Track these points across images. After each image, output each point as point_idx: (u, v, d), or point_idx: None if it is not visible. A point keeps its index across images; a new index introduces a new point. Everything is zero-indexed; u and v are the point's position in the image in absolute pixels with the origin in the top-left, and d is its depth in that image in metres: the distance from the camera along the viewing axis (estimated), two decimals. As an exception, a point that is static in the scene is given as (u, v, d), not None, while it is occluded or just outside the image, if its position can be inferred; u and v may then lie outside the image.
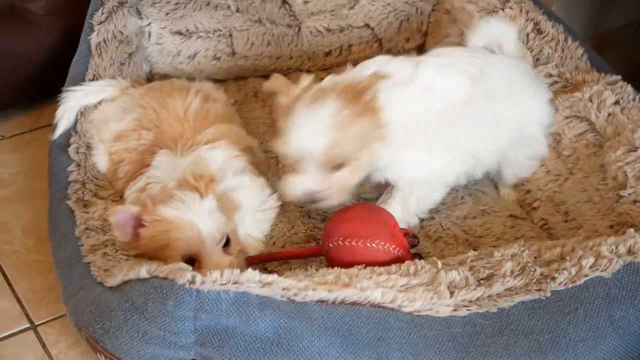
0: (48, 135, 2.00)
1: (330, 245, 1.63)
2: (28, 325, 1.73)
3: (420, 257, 1.69)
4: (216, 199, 1.62)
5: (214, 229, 1.58)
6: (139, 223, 1.58)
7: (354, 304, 1.37)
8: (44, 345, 1.68)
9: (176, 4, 2.28)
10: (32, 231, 1.95)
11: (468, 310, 1.40)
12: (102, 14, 2.12)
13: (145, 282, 1.35)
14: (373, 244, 1.59)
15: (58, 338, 1.70)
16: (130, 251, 1.63)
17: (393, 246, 1.60)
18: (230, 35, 2.33)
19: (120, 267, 1.50)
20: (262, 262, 1.73)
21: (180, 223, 1.56)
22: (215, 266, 1.53)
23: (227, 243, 1.62)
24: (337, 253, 1.62)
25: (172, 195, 1.59)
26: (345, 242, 1.60)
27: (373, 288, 1.40)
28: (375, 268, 1.51)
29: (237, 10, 2.32)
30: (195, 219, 1.57)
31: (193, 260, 1.57)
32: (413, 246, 1.69)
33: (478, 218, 1.86)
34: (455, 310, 1.40)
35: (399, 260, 1.58)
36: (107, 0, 2.14)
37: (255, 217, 1.80)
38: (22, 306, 1.77)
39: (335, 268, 1.53)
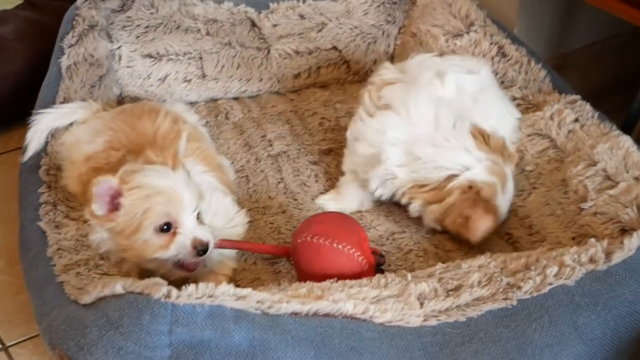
0: (17, 159, 2.00)
1: (299, 241, 1.66)
2: None
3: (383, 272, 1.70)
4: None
5: (192, 195, 1.62)
6: (116, 195, 1.60)
7: (326, 315, 1.39)
8: (16, 366, 1.67)
9: (146, 27, 2.30)
10: (1, 253, 1.95)
11: (437, 320, 1.43)
12: (73, 37, 2.13)
13: (121, 298, 1.35)
14: (339, 246, 1.63)
15: (30, 358, 1.70)
16: (104, 225, 1.64)
17: (358, 254, 1.64)
18: (201, 58, 2.35)
19: (95, 285, 1.49)
20: (229, 247, 1.77)
21: (161, 188, 1.60)
22: (190, 231, 1.61)
23: (198, 216, 1.65)
24: (304, 249, 1.65)
25: (144, 167, 1.64)
26: (313, 239, 1.64)
27: (345, 300, 1.42)
28: (347, 281, 1.53)
29: (207, 34, 2.34)
30: (175, 185, 1.61)
31: (169, 227, 1.60)
32: (379, 264, 1.72)
33: (447, 233, 1.88)
34: (425, 320, 1.42)
35: (360, 269, 1.63)
36: (78, 23, 2.15)
37: (224, 233, 1.80)
38: (-7, 328, 1.75)
39: (308, 282, 1.54)
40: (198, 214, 1.66)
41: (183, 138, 1.73)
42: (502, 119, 1.91)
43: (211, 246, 1.65)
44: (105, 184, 1.59)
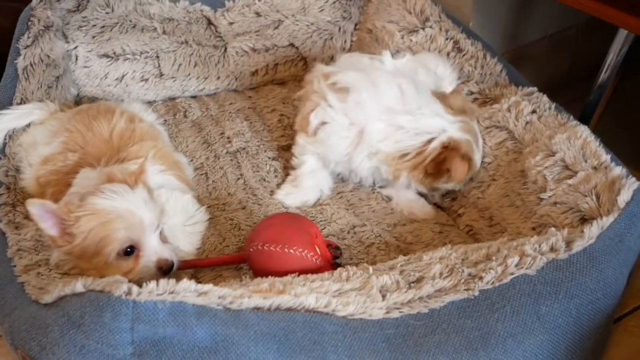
0: (-25, 162, 1.95)
1: (251, 249, 1.64)
2: (-39, 348, 1.68)
3: (340, 265, 1.71)
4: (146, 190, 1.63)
5: (152, 215, 1.59)
6: (61, 222, 1.56)
7: (289, 309, 1.38)
8: (-22, 368, 1.64)
9: (102, 27, 2.27)
10: (-38, 256, 1.90)
11: (400, 312, 1.42)
12: (29, 38, 2.10)
13: (82, 296, 1.32)
14: (290, 250, 1.61)
15: (-7, 360, 1.65)
16: (63, 248, 1.61)
17: (311, 254, 1.62)
18: (157, 57, 2.33)
19: (56, 284, 1.47)
20: (187, 268, 1.73)
21: (119, 212, 1.56)
22: (154, 252, 1.58)
23: (161, 233, 1.63)
24: (257, 257, 1.63)
25: (101, 188, 1.59)
26: (264, 247, 1.62)
27: (307, 294, 1.40)
28: (309, 275, 1.52)
29: (164, 32, 2.32)
30: (133, 206, 1.57)
31: (132, 250, 1.57)
32: (335, 257, 1.71)
33: (408, 225, 1.89)
34: (387, 312, 1.42)
35: (316, 268, 1.61)
36: (33, 24, 2.12)
37: (184, 231, 1.80)
38: (-46, 330, 1.73)
39: (270, 277, 1.53)
40: (161, 232, 1.63)
41: (148, 156, 1.71)
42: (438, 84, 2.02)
43: (175, 265, 1.63)
44: (41, 207, 1.55)
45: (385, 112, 1.87)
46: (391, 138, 1.86)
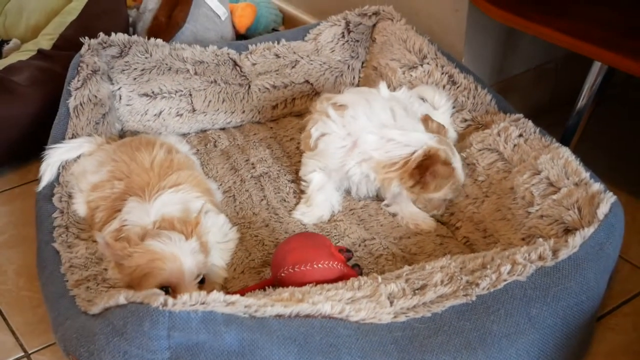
0: (34, 189, 1.97)
1: (283, 274, 1.60)
2: (22, 354, 1.68)
3: (359, 266, 1.70)
4: (198, 242, 1.59)
5: (194, 265, 1.55)
6: (115, 255, 1.56)
7: (307, 316, 1.35)
8: (36, 371, 1.64)
9: (142, 70, 2.25)
10: (23, 272, 1.90)
11: (406, 316, 1.39)
12: (78, 81, 2.09)
13: (124, 308, 1.30)
14: (319, 265, 1.58)
15: (48, 364, 1.65)
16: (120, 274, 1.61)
17: (335, 263, 1.59)
18: (190, 95, 2.31)
19: (102, 297, 1.45)
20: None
21: (164, 254, 1.53)
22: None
23: (202, 281, 1.59)
24: (291, 280, 1.59)
25: (160, 233, 1.57)
26: (295, 269, 1.58)
27: (323, 302, 1.38)
28: (325, 285, 1.49)
29: (195, 73, 2.30)
30: (179, 253, 1.54)
31: (168, 290, 1.54)
32: (349, 259, 1.68)
33: (412, 238, 1.85)
34: (395, 317, 1.39)
35: (342, 273, 1.58)
36: (82, 69, 2.11)
37: (218, 249, 1.77)
38: (16, 337, 1.72)
39: (290, 287, 1.50)
40: (203, 278, 1.60)
41: (203, 211, 1.68)
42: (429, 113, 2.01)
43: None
44: (101, 240, 1.57)
45: (378, 127, 1.87)
46: (383, 148, 1.86)
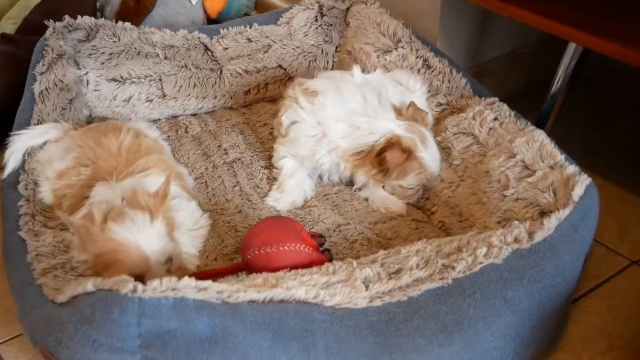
0: (-1, 179, 1.93)
1: (249, 257, 1.59)
2: (-12, 345, 1.65)
3: (329, 251, 1.69)
4: (165, 222, 1.56)
5: (160, 252, 1.53)
6: (80, 236, 1.55)
7: (281, 302, 1.33)
8: (3, 363, 1.61)
9: (110, 54, 2.22)
10: (-13, 263, 1.86)
11: (382, 300, 1.38)
12: (44, 65, 2.06)
13: (92, 295, 1.28)
14: (285, 247, 1.57)
15: (17, 355, 1.63)
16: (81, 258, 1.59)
17: (303, 246, 1.58)
18: (161, 80, 2.28)
19: (69, 285, 1.42)
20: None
21: (128, 246, 1.50)
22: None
23: (170, 261, 1.57)
24: (256, 262, 1.58)
25: (124, 213, 1.53)
26: (261, 251, 1.57)
27: (298, 287, 1.36)
28: (299, 270, 1.48)
29: (166, 58, 2.27)
30: (143, 242, 1.51)
31: (136, 279, 1.50)
32: (321, 245, 1.67)
33: (387, 223, 1.84)
34: (371, 301, 1.38)
35: (311, 257, 1.58)
36: (48, 53, 2.08)
37: (190, 236, 1.75)
38: (-19, 329, 1.69)
39: (264, 273, 1.49)
40: (171, 260, 1.56)
41: (169, 178, 1.64)
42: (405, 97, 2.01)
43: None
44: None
45: (347, 115, 1.87)
46: (350, 137, 1.86)
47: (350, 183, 1.98)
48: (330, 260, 1.62)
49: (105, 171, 1.73)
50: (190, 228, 1.76)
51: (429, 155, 1.83)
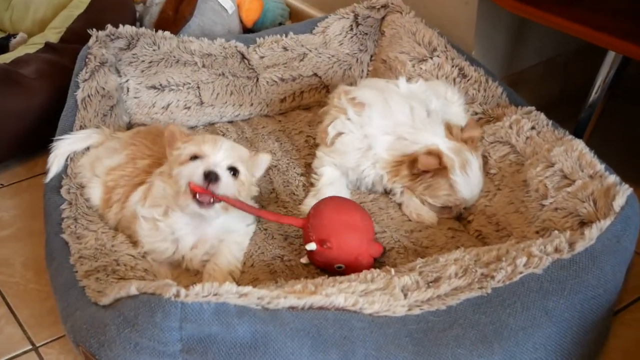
0: (42, 182, 1.94)
1: (329, 245, 1.62)
2: (30, 347, 1.66)
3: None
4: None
5: (229, 148, 1.68)
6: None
7: (320, 308, 1.33)
8: (44, 364, 1.62)
9: (150, 62, 2.23)
10: (30, 265, 1.88)
11: (421, 309, 1.37)
12: (86, 72, 2.07)
13: (135, 298, 1.29)
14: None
15: (57, 357, 1.63)
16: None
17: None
18: (198, 87, 2.28)
19: (112, 288, 1.43)
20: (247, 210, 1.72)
21: (207, 139, 1.68)
22: (210, 165, 1.63)
23: (235, 174, 1.67)
24: (334, 250, 1.62)
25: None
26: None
27: (337, 294, 1.35)
28: (337, 277, 1.47)
29: (203, 66, 2.28)
30: (221, 141, 1.69)
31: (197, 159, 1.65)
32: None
33: (423, 231, 1.83)
34: (409, 310, 1.37)
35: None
36: (90, 61, 2.09)
37: (233, 241, 1.76)
38: (24, 330, 1.69)
39: (302, 279, 1.48)
40: (236, 172, 1.67)
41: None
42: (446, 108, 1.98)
43: (223, 179, 1.63)
44: (171, 134, 1.73)
45: (394, 127, 1.86)
46: (394, 147, 1.85)
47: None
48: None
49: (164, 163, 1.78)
50: (235, 240, 1.77)
51: (464, 181, 1.79)
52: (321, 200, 1.74)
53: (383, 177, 1.88)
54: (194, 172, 1.61)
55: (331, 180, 1.94)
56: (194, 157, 1.63)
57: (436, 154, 1.78)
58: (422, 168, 1.79)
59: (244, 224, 1.80)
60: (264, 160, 1.78)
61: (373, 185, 1.94)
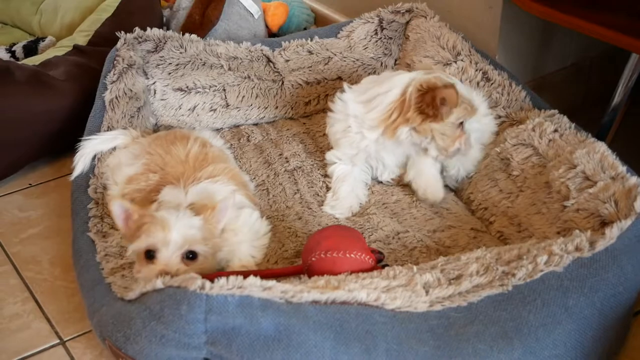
0: (69, 182, 1.99)
1: (314, 259, 1.59)
2: (57, 341, 1.69)
3: (388, 266, 1.65)
4: (204, 223, 1.60)
5: (183, 237, 1.56)
6: (128, 217, 1.61)
7: (343, 303, 1.35)
8: (72, 358, 1.65)
9: (177, 65, 2.27)
10: (58, 262, 1.92)
11: (442, 305, 1.39)
12: (114, 74, 2.11)
13: (161, 292, 1.32)
14: (351, 255, 1.57)
15: (84, 351, 1.66)
16: (125, 239, 1.66)
17: (367, 257, 1.59)
18: (224, 90, 2.32)
19: (138, 283, 1.46)
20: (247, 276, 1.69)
21: (157, 219, 1.56)
22: (164, 264, 1.54)
23: (193, 258, 1.58)
24: (321, 264, 1.58)
25: (168, 203, 1.64)
26: (327, 255, 1.57)
27: (359, 289, 1.38)
28: (360, 274, 1.49)
29: (229, 69, 2.31)
30: (172, 221, 1.56)
31: (153, 255, 1.56)
32: (379, 261, 1.66)
33: (445, 231, 1.84)
34: (431, 306, 1.39)
35: (372, 269, 1.57)
36: (118, 63, 2.13)
37: (251, 246, 1.76)
38: (52, 325, 1.73)
39: (325, 275, 1.50)
40: (193, 255, 1.58)
41: (230, 201, 1.66)
42: None
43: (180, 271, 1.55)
44: (118, 206, 1.62)
45: (362, 94, 1.92)
46: (372, 107, 1.88)
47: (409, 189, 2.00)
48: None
49: (172, 177, 1.77)
50: (252, 239, 1.77)
51: (459, 84, 1.87)
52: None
53: (379, 139, 1.90)
54: (151, 276, 1.51)
55: (343, 177, 1.98)
56: (148, 252, 1.57)
57: (433, 85, 1.81)
58: (453, 104, 1.81)
59: (254, 231, 1.79)
60: (223, 207, 1.64)
61: (383, 160, 1.98)
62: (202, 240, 1.59)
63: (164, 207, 1.64)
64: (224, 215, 1.64)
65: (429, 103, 1.81)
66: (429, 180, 1.93)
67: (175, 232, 1.55)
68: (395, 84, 1.86)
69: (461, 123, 1.86)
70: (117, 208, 1.61)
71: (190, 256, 1.58)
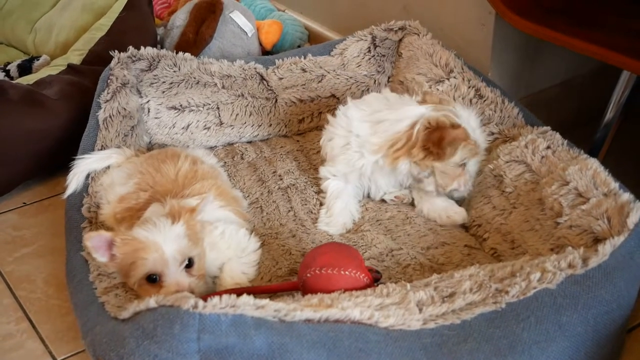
0: (63, 201, 1.99)
1: (308, 275, 1.58)
2: (51, 361, 1.69)
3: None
4: (186, 227, 1.60)
5: (177, 251, 1.56)
6: (110, 246, 1.59)
7: (336, 321, 1.35)
8: (65, 378, 1.65)
9: (170, 83, 2.28)
10: (52, 281, 1.92)
11: (435, 323, 1.38)
12: (108, 93, 2.11)
13: (154, 311, 1.31)
14: (346, 272, 1.56)
15: (77, 371, 1.66)
16: (109, 270, 1.65)
17: (362, 275, 1.58)
18: (218, 108, 2.33)
19: (131, 302, 1.46)
20: (242, 293, 1.68)
21: (146, 243, 1.55)
22: (175, 284, 1.55)
23: (191, 265, 1.60)
24: (316, 281, 1.57)
25: (148, 220, 1.60)
26: (322, 271, 1.57)
27: (352, 307, 1.37)
28: (353, 292, 1.49)
29: (223, 87, 2.32)
30: (161, 240, 1.55)
31: (156, 278, 1.57)
32: (376, 280, 1.66)
33: (439, 248, 1.84)
34: (424, 323, 1.38)
35: (367, 287, 1.56)
36: (112, 82, 2.13)
37: (239, 263, 1.76)
38: (45, 345, 1.73)
39: (319, 293, 1.50)
40: (192, 264, 1.60)
41: (208, 197, 1.68)
42: None
43: (198, 293, 1.59)
44: (98, 238, 1.58)
45: (370, 114, 1.93)
46: (378, 131, 1.89)
47: (403, 205, 2.01)
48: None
49: (161, 195, 1.78)
50: (238, 256, 1.76)
51: (467, 125, 1.86)
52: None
53: (378, 161, 1.91)
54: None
55: (337, 193, 1.99)
56: (150, 276, 1.58)
57: (442, 123, 1.82)
58: (457, 145, 1.82)
59: (241, 248, 1.79)
60: (202, 204, 1.65)
61: (377, 181, 1.98)
62: (191, 244, 1.60)
63: (142, 223, 1.63)
64: (202, 207, 1.65)
65: (435, 142, 1.82)
66: (446, 207, 1.94)
67: (168, 249, 1.56)
68: (406, 116, 1.86)
69: (464, 163, 1.88)
70: (96, 240, 1.58)
71: (189, 264, 1.60)
